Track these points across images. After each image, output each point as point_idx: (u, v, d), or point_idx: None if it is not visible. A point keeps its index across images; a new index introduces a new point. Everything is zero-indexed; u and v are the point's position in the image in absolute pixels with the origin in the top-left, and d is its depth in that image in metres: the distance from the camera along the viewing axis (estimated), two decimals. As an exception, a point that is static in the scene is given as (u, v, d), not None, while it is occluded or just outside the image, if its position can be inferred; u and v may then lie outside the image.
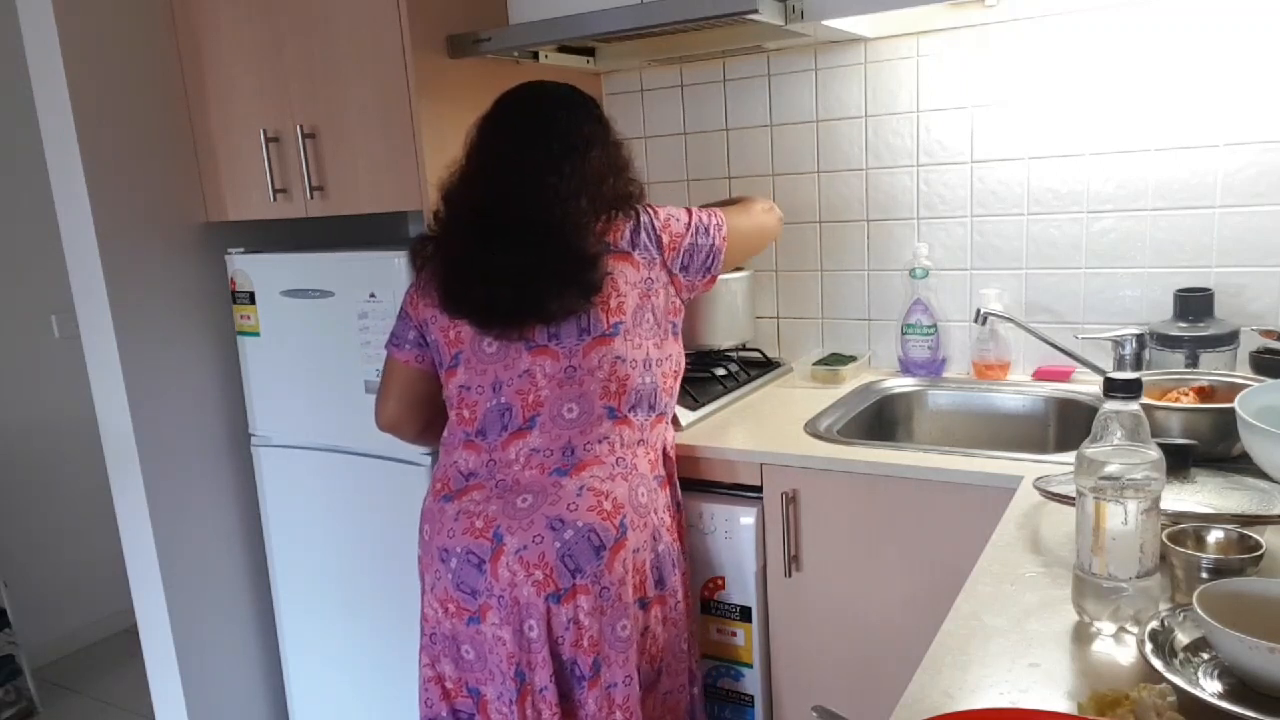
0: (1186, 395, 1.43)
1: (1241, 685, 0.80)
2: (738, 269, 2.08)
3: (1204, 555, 0.99)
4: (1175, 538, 1.01)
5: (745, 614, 1.69)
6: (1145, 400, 1.34)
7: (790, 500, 1.62)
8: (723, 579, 1.69)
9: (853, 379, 2.04)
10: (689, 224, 1.53)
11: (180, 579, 2.11)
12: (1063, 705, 0.81)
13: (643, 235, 1.47)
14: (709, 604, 1.71)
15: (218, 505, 2.18)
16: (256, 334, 2.05)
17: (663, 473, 1.54)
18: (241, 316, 2.07)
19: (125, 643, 3.18)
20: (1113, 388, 0.93)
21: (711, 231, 1.55)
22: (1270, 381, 1.30)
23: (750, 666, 1.71)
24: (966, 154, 1.95)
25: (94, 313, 1.98)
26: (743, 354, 2.13)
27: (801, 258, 2.18)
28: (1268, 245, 1.73)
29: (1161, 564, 0.94)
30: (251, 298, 2.03)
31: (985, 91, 1.91)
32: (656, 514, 1.50)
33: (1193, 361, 1.66)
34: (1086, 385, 1.85)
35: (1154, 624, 0.87)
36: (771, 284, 2.23)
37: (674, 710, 1.57)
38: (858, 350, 2.15)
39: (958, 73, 1.93)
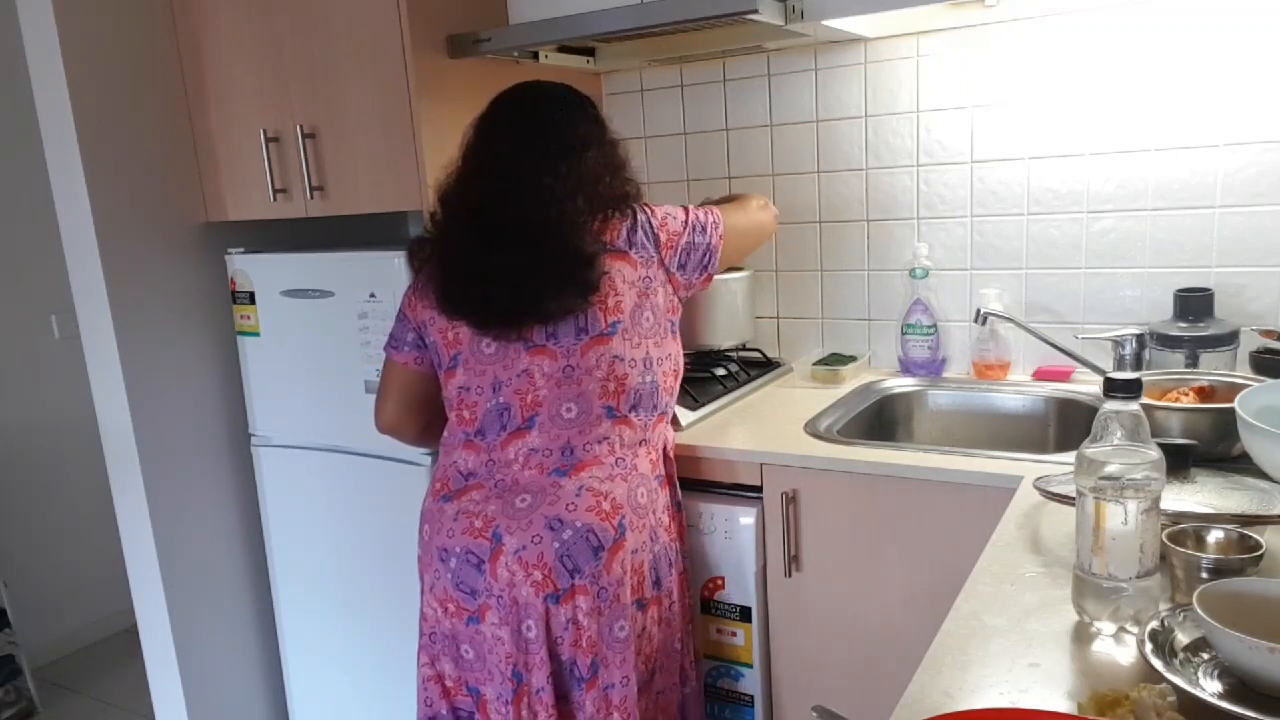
0: (1186, 395, 1.43)
1: (1241, 685, 0.80)
2: (737, 269, 2.08)
3: (1204, 555, 0.99)
4: (1175, 538, 1.01)
5: (745, 614, 1.69)
6: (1145, 400, 1.34)
7: (790, 500, 1.62)
8: (722, 579, 1.69)
9: (853, 379, 2.04)
10: (686, 222, 1.53)
11: (180, 579, 2.11)
12: (1063, 705, 0.81)
13: (639, 234, 1.47)
14: (709, 604, 1.71)
15: (218, 505, 2.18)
16: (256, 334, 2.05)
17: (663, 472, 1.54)
18: (241, 316, 2.07)
19: (125, 643, 3.18)
20: (1113, 388, 0.93)
21: (708, 230, 1.55)
22: (1270, 381, 1.30)
23: (750, 666, 1.71)
24: (966, 154, 1.95)
25: (94, 313, 1.98)
26: (743, 354, 2.13)
27: (801, 258, 2.18)
28: (1268, 245, 1.73)
29: (1161, 564, 0.94)
30: (251, 298, 2.03)
31: (985, 91, 1.91)
32: (655, 514, 1.50)
33: (1193, 361, 1.66)
34: (1086, 385, 1.85)
35: (1154, 624, 0.87)
36: (771, 284, 2.23)
37: (666, 709, 1.57)
38: (858, 350, 2.15)
39: (958, 73, 1.93)
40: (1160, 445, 0.92)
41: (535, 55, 1.99)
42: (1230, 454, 1.32)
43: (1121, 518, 0.90)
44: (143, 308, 2.01)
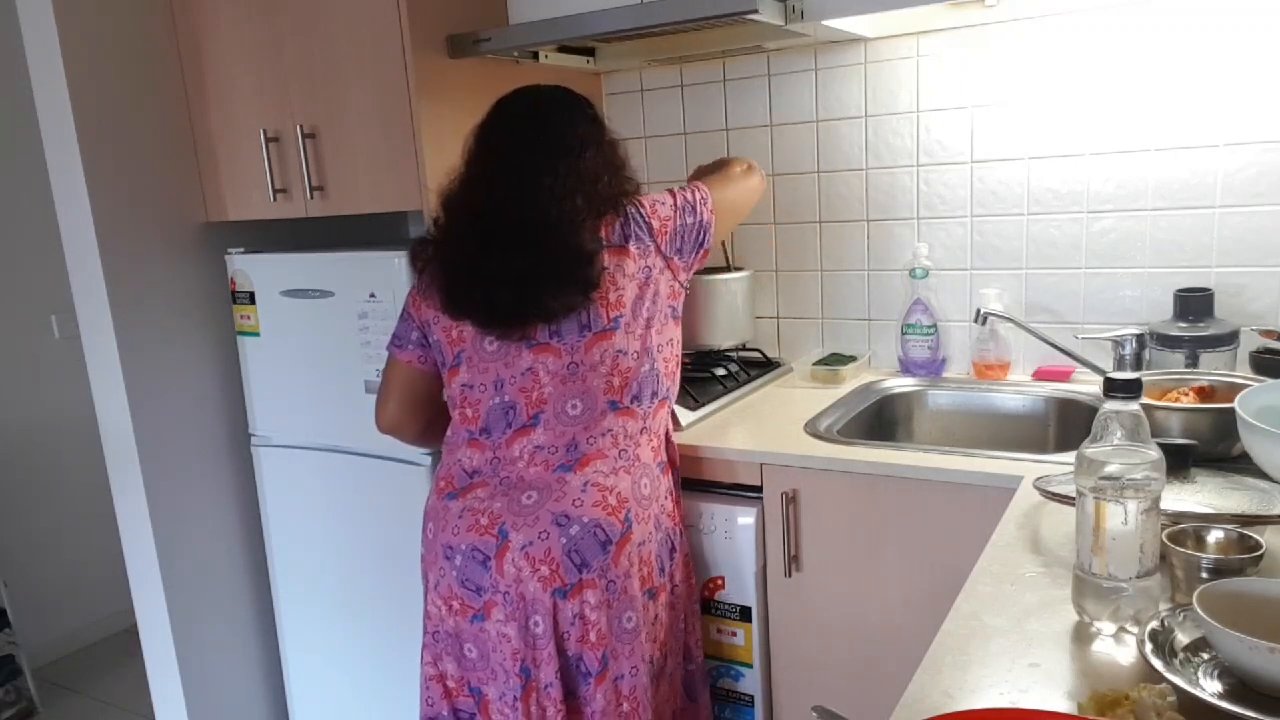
0: (1186, 395, 1.43)
1: (1241, 685, 0.80)
2: (738, 269, 2.09)
3: (1204, 555, 0.99)
4: (1175, 538, 1.01)
5: (745, 614, 1.69)
6: (1145, 400, 1.34)
7: (790, 500, 1.62)
8: (722, 579, 1.69)
9: (853, 379, 2.04)
10: (675, 205, 1.54)
11: (180, 579, 2.11)
12: (1063, 705, 0.81)
13: (633, 226, 1.48)
14: (709, 604, 1.71)
15: (218, 505, 2.18)
16: (256, 334, 2.05)
17: (664, 458, 1.55)
18: (241, 316, 2.07)
19: (125, 643, 3.18)
20: (1113, 388, 0.93)
21: (698, 208, 1.56)
22: (1270, 381, 1.30)
23: (750, 666, 1.71)
24: (966, 154, 1.95)
25: (94, 313, 1.98)
26: (743, 354, 2.13)
27: (801, 258, 2.18)
28: (1268, 245, 1.73)
29: (1161, 564, 0.94)
30: (251, 298, 2.03)
31: (985, 91, 1.91)
32: (658, 502, 1.51)
33: (1193, 361, 1.66)
34: (1086, 385, 1.85)
35: (1154, 624, 0.87)
36: (771, 284, 2.23)
37: (673, 687, 1.58)
38: (858, 350, 2.15)
39: (958, 73, 1.93)
40: (1160, 445, 0.92)
41: (535, 55, 2.00)
42: (1230, 454, 1.32)
43: (1121, 518, 0.90)
44: (143, 308, 2.01)
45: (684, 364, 1.63)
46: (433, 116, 1.77)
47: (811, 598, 1.65)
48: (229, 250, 2.06)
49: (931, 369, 2.02)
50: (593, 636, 1.41)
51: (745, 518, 1.65)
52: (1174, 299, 1.74)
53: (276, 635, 2.24)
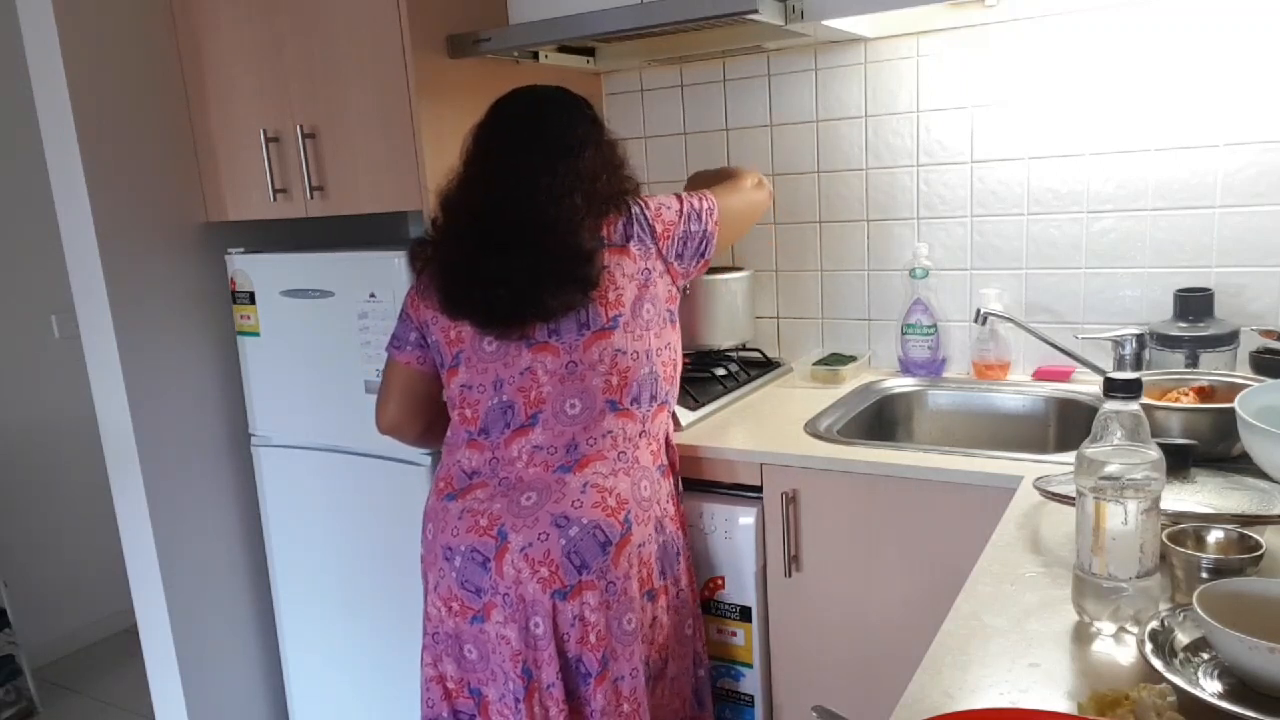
0: (1186, 395, 1.43)
1: (1241, 685, 0.80)
2: (738, 269, 2.09)
3: (1204, 555, 0.99)
4: (1175, 538, 1.01)
5: (745, 614, 1.69)
6: (1145, 400, 1.34)
7: (790, 500, 1.62)
8: (723, 579, 1.69)
9: (853, 379, 2.04)
10: (681, 211, 1.53)
11: (180, 579, 2.11)
12: (1063, 705, 0.81)
13: (636, 227, 1.48)
14: (709, 604, 1.71)
15: (218, 505, 2.18)
16: (256, 334, 2.05)
17: (664, 462, 1.55)
18: (241, 316, 2.07)
19: (125, 643, 3.18)
20: (1113, 388, 0.93)
21: (704, 217, 1.55)
22: (1270, 381, 1.30)
23: (750, 666, 1.71)
24: (966, 154, 1.95)
25: (94, 313, 1.98)
26: (743, 354, 2.13)
27: (801, 258, 2.18)
28: (1268, 245, 1.73)
29: (1161, 564, 0.94)
30: (251, 298, 2.03)
31: (985, 91, 1.91)
32: (659, 505, 1.51)
33: (1193, 361, 1.66)
34: (1086, 385, 1.85)
35: (1154, 624, 0.87)
36: (771, 284, 2.23)
37: (680, 694, 1.58)
38: (858, 350, 2.15)
39: (958, 73, 1.93)
40: (1160, 445, 0.92)
41: (535, 55, 2.00)
42: (1230, 454, 1.32)
43: (1121, 518, 0.90)
44: (143, 308, 2.01)
45: (684, 364, 1.63)
46: (433, 116, 1.77)
47: (811, 598, 1.64)
48: (229, 250, 2.06)
49: (931, 369, 2.02)
50: (592, 638, 1.41)
51: (745, 518, 1.65)
52: (1174, 299, 1.74)
53: (276, 635, 2.24)
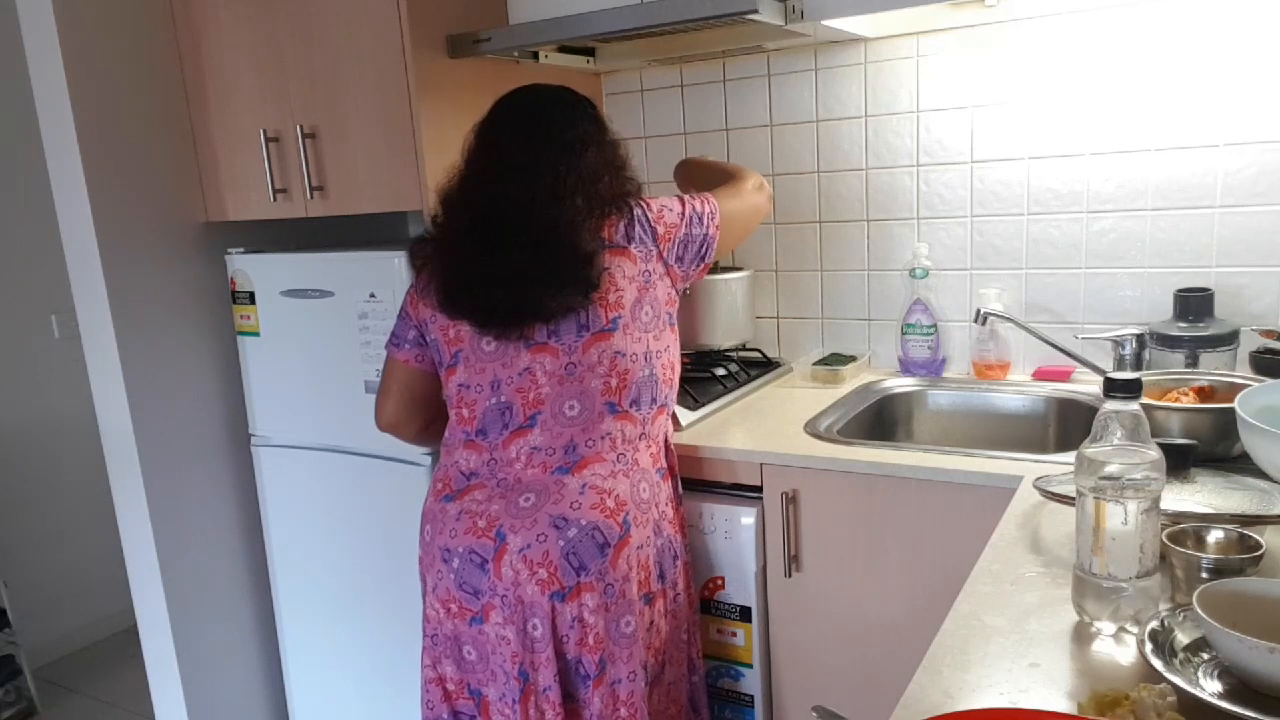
0: (1186, 395, 1.43)
1: (1241, 685, 0.80)
2: (738, 269, 2.09)
3: (1204, 555, 0.99)
4: (1175, 538, 1.01)
5: (745, 614, 1.69)
6: (1145, 400, 1.34)
7: (790, 500, 1.62)
8: (723, 579, 1.69)
9: (853, 379, 2.04)
10: (683, 214, 1.53)
11: (180, 579, 2.11)
12: (1063, 705, 0.81)
13: (637, 229, 1.47)
14: (709, 604, 1.71)
15: (218, 505, 2.18)
16: (256, 334, 2.05)
17: (664, 465, 1.55)
18: (241, 316, 2.07)
19: (125, 643, 3.18)
20: (1113, 388, 0.93)
21: (705, 220, 1.55)
22: (1270, 381, 1.30)
23: (750, 666, 1.71)
24: (966, 154, 1.95)
25: (94, 313, 1.98)
26: (743, 354, 2.13)
27: (801, 258, 2.18)
28: (1268, 245, 1.73)
29: (1161, 564, 0.94)
30: (251, 298, 2.03)
31: (985, 91, 1.91)
32: (658, 508, 1.50)
33: (1193, 361, 1.66)
34: (1086, 385, 1.85)
35: (1154, 624, 0.87)
36: (771, 284, 2.23)
37: (677, 700, 1.58)
38: (858, 350, 2.15)
39: (958, 73, 1.93)
40: (1160, 445, 0.92)
41: (535, 55, 2.00)
42: (1230, 454, 1.32)
43: (1121, 518, 0.90)
44: (143, 308, 2.01)
45: (684, 364, 1.63)
46: (433, 116, 1.77)
47: (811, 598, 1.64)
48: (229, 250, 2.06)
49: (931, 369, 2.02)
50: (591, 640, 1.40)
51: (745, 518, 1.65)
52: (1174, 299, 1.74)
53: (276, 635, 2.24)
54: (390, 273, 1.82)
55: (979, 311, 1.91)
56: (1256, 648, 0.76)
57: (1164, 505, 0.96)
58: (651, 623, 1.49)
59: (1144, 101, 1.78)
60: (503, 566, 1.40)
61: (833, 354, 2.15)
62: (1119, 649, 0.89)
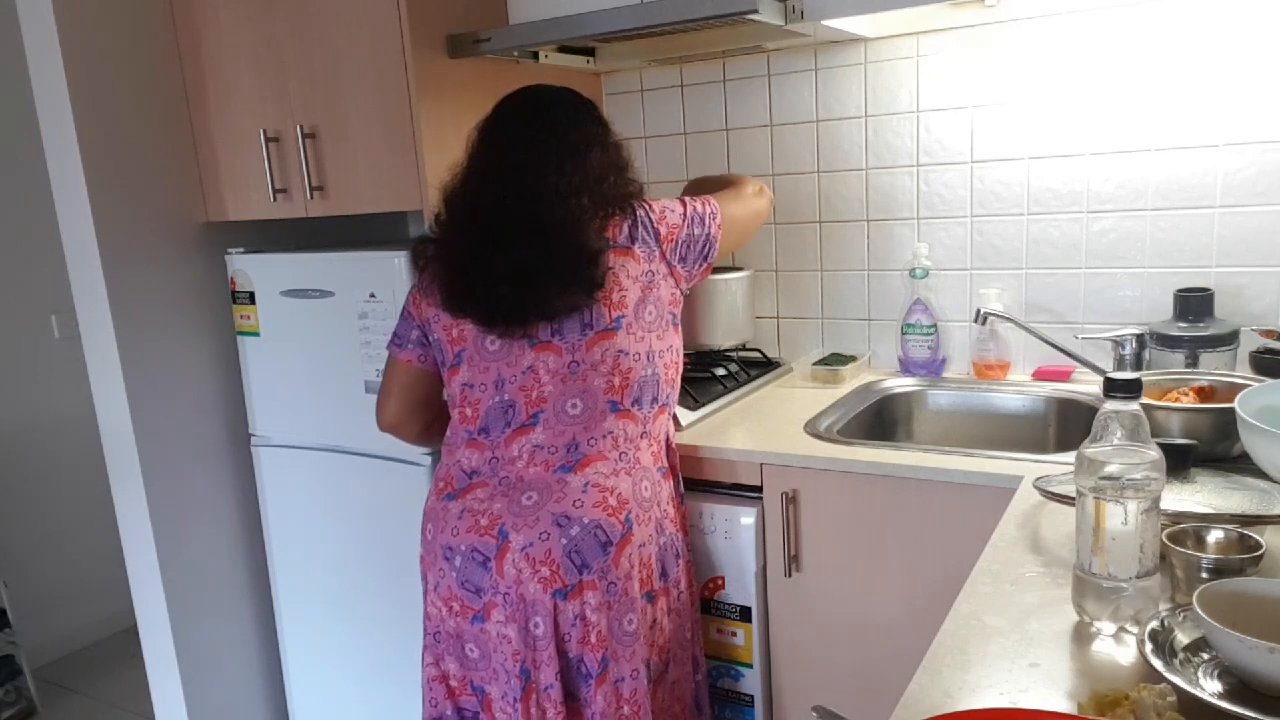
0: (1186, 395, 1.43)
1: (1241, 685, 0.80)
2: (737, 269, 2.09)
3: (1204, 555, 0.99)
4: (1175, 538, 1.01)
5: (745, 614, 1.69)
6: (1145, 400, 1.34)
7: (790, 500, 1.62)
8: (723, 579, 1.69)
9: (853, 379, 2.04)
10: (685, 215, 1.54)
11: (180, 579, 2.11)
12: (1063, 705, 0.81)
13: (640, 230, 1.48)
14: (709, 604, 1.71)
15: (218, 505, 2.18)
16: (256, 334, 2.05)
17: (665, 464, 1.55)
18: (241, 316, 2.07)
19: (125, 643, 3.18)
20: (1113, 388, 0.93)
21: (707, 221, 1.56)
22: (1270, 381, 1.30)
23: (750, 666, 1.71)
24: (966, 154, 1.95)
25: (94, 313, 1.98)
26: (743, 354, 2.13)
27: (801, 258, 2.18)
28: (1268, 245, 1.73)
29: (1161, 564, 0.94)
30: (251, 298, 2.03)
31: (985, 91, 1.91)
32: (660, 506, 1.51)
33: (1193, 361, 1.66)
34: (1086, 385, 1.85)
35: (1154, 624, 0.87)
36: (771, 284, 2.23)
37: (681, 699, 1.58)
38: (858, 350, 2.15)
39: (958, 73, 1.93)
40: (1160, 445, 0.92)
41: (535, 55, 2.00)
42: (1230, 454, 1.32)
43: (1121, 518, 0.90)
44: (143, 308, 2.01)
45: (685, 364, 1.63)
46: (433, 116, 1.77)
47: (811, 598, 1.65)
48: (229, 250, 2.06)
49: (931, 369, 2.02)
50: (593, 638, 1.41)
51: (745, 518, 1.65)
52: (1174, 299, 1.73)
53: (276, 635, 2.24)
54: (390, 273, 1.82)
55: (979, 311, 1.91)
56: (1256, 648, 0.76)
57: (1164, 505, 0.96)
58: (654, 621, 1.49)
59: (1144, 101, 1.78)
60: (505, 565, 1.40)
61: (833, 354, 2.15)
62: (1119, 649, 0.89)
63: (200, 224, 2.11)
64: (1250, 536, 1.01)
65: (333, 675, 2.14)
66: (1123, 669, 0.86)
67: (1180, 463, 1.20)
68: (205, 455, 2.15)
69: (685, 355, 1.63)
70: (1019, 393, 1.90)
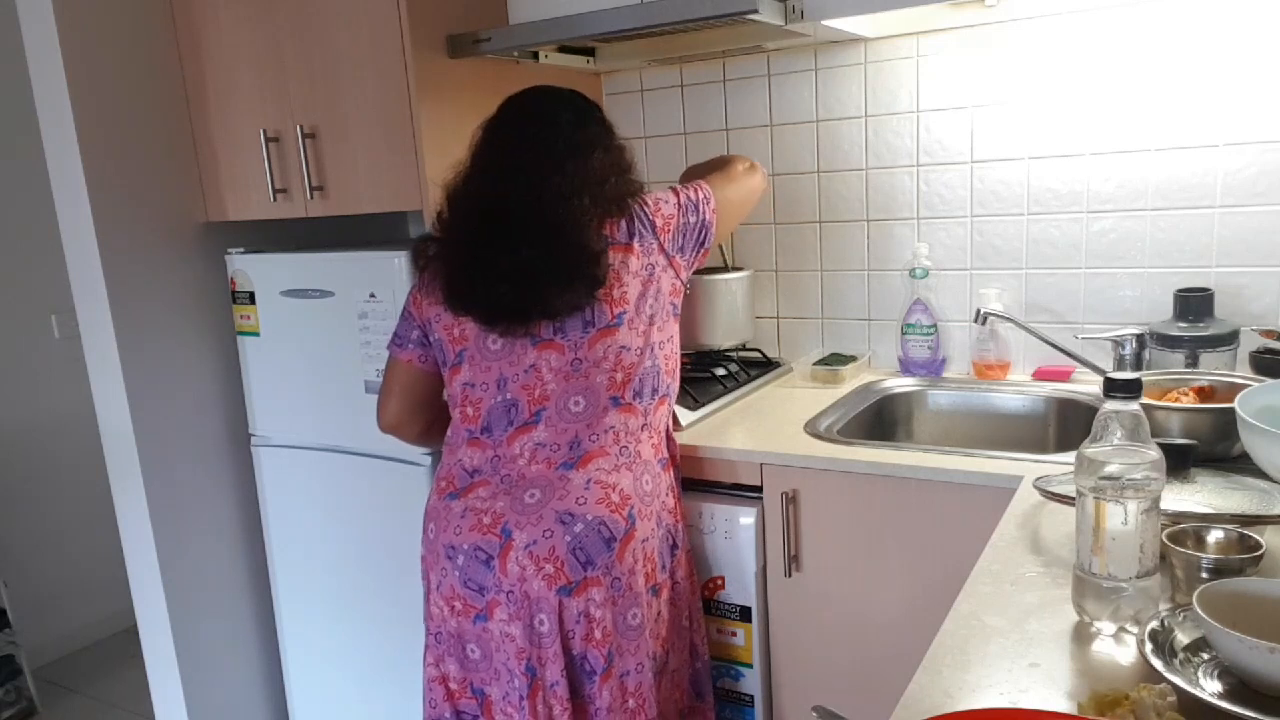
0: (1186, 395, 1.43)
1: (1241, 685, 0.80)
2: (737, 269, 2.09)
3: (1204, 555, 0.99)
4: (1175, 538, 1.01)
5: (745, 614, 1.69)
6: (1145, 400, 1.34)
7: (790, 500, 1.62)
8: (723, 579, 1.69)
9: (853, 379, 2.04)
10: (678, 204, 1.54)
11: (180, 579, 2.11)
12: (1063, 705, 0.81)
13: (637, 224, 1.49)
14: (709, 604, 1.71)
15: (218, 505, 2.18)
16: (256, 334, 2.05)
17: (665, 455, 1.55)
18: (241, 316, 2.07)
19: (125, 643, 3.18)
20: (1113, 388, 0.93)
21: (700, 207, 1.56)
22: (1270, 381, 1.30)
23: (750, 666, 1.71)
24: (966, 154, 1.95)
25: (94, 313, 1.98)
26: (743, 354, 2.13)
27: (801, 258, 2.18)
28: (1268, 245, 1.73)
29: (1161, 564, 0.94)
30: (251, 298, 2.03)
31: (985, 91, 1.91)
32: (660, 499, 1.51)
33: (1193, 361, 1.66)
34: (1086, 385, 1.85)
35: (1154, 624, 0.87)
36: (771, 284, 2.23)
37: (680, 686, 1.59)
38: (858, 350, 2.15)
39: (958, 73, 1.93)
40: (1160, 445, 0.92)
41: (535, 55, 2.00)
42: (1230, 454, 1.32)
43: (1121, 518, 0.90)
44: (143, 308, 2.01)
45: (684, 364, 1.63)
46: (433, 116, 1.77)
47: (811, 598, 1.65)
48: (229, 250, 2.06)
49: (931, 369, 2.02)
50: (598, 634, 1.41)
51: (745, 517, 1.65)
52: (1174, 299, 1.73)
53: (276, 635, 2.24)
54: (390, 273, 1.82)
55: (979, 311, 1.91)
56: (1256, 648, 0.76)
57: (1164, 505, 0.96)
58: (659, 614, 1.50)
59: (1144, 101, 1.78)
60: (509, 563, 1.41)
61: (833, 354, 2.15)
62: (1119, 649, 0.89)
63: (200, 224, 2.11)
64: (1250, 536, 1.01)
65: (333, 675, 2.14)
66: (1123, 669, 0.86)
67: (1180, 463, 1.20)
68: (205, 455, 2.15)
69: (685, 356, 1.64)
70: (1019, 393, 1.90)
